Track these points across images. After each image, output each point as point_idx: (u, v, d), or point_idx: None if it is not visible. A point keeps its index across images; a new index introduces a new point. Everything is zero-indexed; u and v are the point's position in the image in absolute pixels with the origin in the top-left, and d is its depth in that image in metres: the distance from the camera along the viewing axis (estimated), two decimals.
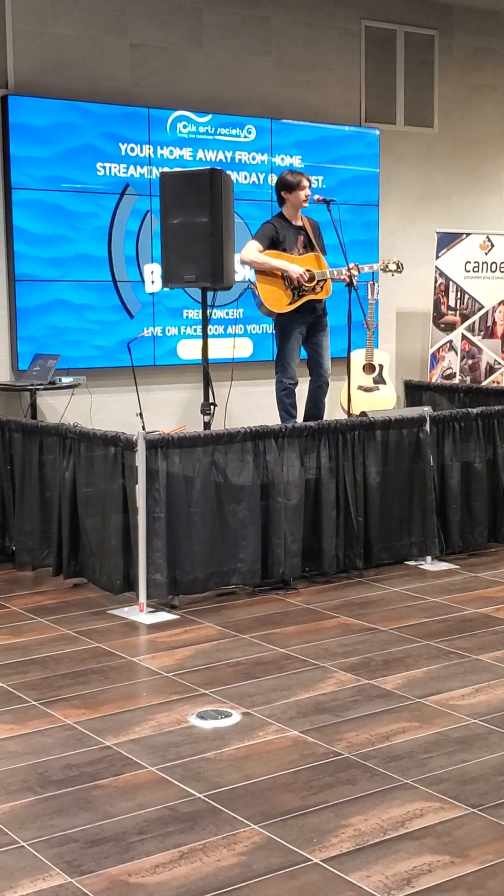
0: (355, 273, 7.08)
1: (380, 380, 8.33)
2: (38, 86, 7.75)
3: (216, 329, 8.30)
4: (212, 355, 7.12)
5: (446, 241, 9.22)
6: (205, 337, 6.97)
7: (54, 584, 5.87)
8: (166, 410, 8.21)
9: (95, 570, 5.65)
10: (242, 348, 8.46)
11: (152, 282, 8.18)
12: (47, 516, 5.93)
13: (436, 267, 9.20)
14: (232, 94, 8.58)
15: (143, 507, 5.26)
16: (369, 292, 8.26)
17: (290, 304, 6.85)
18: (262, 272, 6.87)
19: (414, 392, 8.18)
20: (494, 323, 9.36)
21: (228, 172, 7.01)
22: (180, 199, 6.66)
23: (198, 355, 7.47)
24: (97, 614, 5.36)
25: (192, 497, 5.37)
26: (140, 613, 5.31)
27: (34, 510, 5.97)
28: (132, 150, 8.07)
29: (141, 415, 7.49)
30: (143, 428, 7.05)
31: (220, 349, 8.10)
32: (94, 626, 5.18)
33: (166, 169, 7.80)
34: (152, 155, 8.13)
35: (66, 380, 7.37)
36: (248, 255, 6.91)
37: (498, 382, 9.25)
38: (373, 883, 2.93)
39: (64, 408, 7.56)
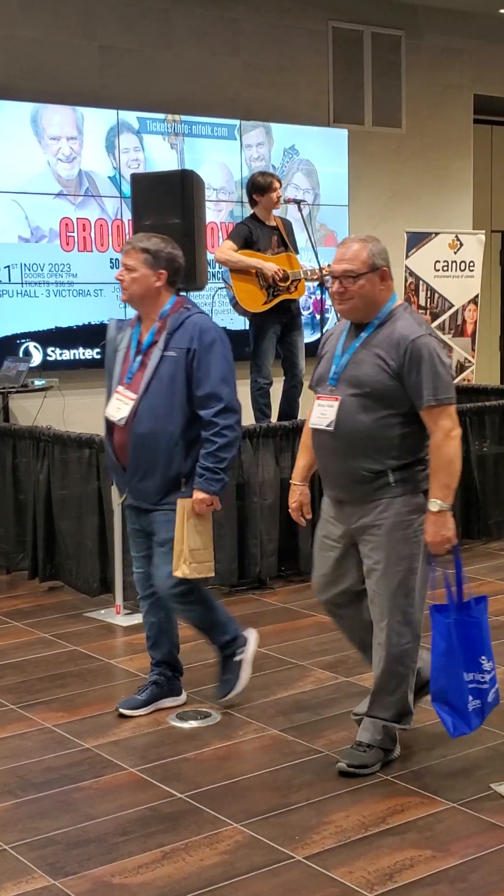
0: (328, 273, 7.09)
1: None
2: (6, 89, 7.73)
3: None
4: None
5: (415, 240, 9.27)
6: None
7: (30, 587, 5.85)
8: None
9: (72, 572, 5.64)
10: None
11: None
12: (22, 519, 5.91)
13: (406, 266, 9.24)
14: (201, 95, 8.58)
15: (119, 509, 5.26)
16: None
17: (266, 303, 6.86)
18: (237, 271, 6.88)
19: None
20: (464, 321, 9.42)
21: (199, 174, 7.01)
22: (152, 200, 6.66)
23: None
24: (74, 617, 5.35)
25: None
26: (117, 616, 5.31)
27: (8, 513, 5.95)
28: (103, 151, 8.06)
29: None
30: None
31: None
32: (71, 628, 5.18)
33: (137, 171, 7.80)
34: (122, 156, 8.12)
35: (38, 382, 7.35)
36: (222, 255, 6.91)
37: (469, 380, 9.30)
38: (355, 878, 2.95)
39: (36, 410, 7.53)
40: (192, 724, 4.03)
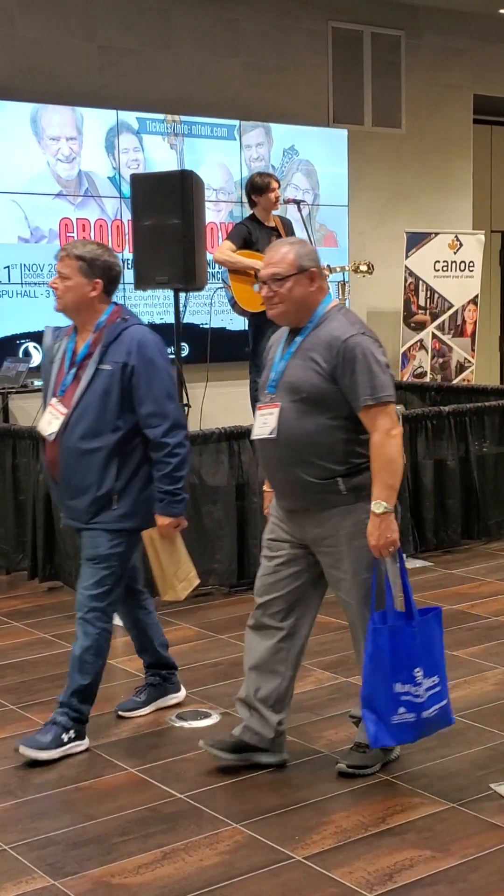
0: (327, 273, 7.10)
1: None
2: (6, 89, 7.73)
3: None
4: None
5: (415, 240, 9.27)
6: (177, 338, 6.97)
7: (29, 587, 5.85)
8: None
9: (71, 573, 5.63)
10: None
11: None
12: (21, 520, 5.91)
13: (405, 266, 9.25)
14: (201, 95, 8.58)
15: None
16: (340, 292, 8.29)
17: (264, 303, 6.87)
18: (236, 272, 6.89)
19: None
20: (464, 321, 9.42)
21: (199, 174, 7.02)
22: (151, 201, 6.66)
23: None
24: (73, 617, 5.33)
25: None
26: (116, 616, 5.29)
27: (8, 514, 5.95)
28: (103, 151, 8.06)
29: None
30: None
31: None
32: (70, 629, 5.14)
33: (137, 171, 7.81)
34: (122, 156, 8.13)
35: (38, 382, 7.35)
36: (221, 255, 6.92)
37: (468, 380, 9.30)
38: (355, 879, 2.95)
39: (36, 410, 7.53)
40: (192, 724, 4.03)
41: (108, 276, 3.76)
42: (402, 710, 3.34)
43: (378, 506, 3.33)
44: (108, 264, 3.76)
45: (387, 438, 3.33)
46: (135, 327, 3.76)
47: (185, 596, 3.95)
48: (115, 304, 3.84)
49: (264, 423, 3.46)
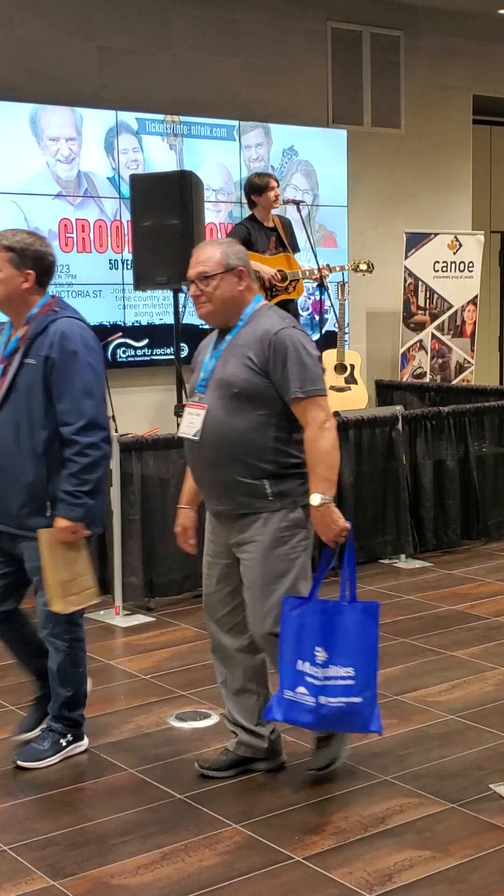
0: (326, 273, 7.11)
1: (351, 380, 8.36)
2: (5, 89, 7.73)
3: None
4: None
5: (415, 241, 9.27)
6: (177, 339, 6.97)
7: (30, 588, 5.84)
8: (139, 413, 8.20)
9: None
10: None
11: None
12: None
13: (405, 267, 9.25)
14: (200, 96, 8.58)
15: (118, 510, 5.26)
16: (339, 293, 8.29)
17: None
18: None
19: (385, 391, 8.22)
20: (463, 322, 9.42)
21: (198, 174, 7.02)
22: (151, 201, 6.67)
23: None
24: None
25: (168, 499, 5.37)
26: (116, 616, 5.31)
27: None
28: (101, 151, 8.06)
29: (113, 418, 7.47)
30: (116, 431, 7.04)
31: None
32: None
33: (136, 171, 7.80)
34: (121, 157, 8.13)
35: None
36: None
37: (468, 381, 9.30)
38: (355, 879, 2.95)
39: None
40: (192, 724, 4.03)
41: (41, 267, 3.59)
42: (301, 689, 3.28)
43: (315, 498, 3.28)
44: (39, 254, 3.59)
45: (320, 431, 3.29)
46: (63, 320, 3.57)
47: (72, 610, 3.60)
48: (52, 296, 3.67)
49: (190, 424, 3.41)
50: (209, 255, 3.41)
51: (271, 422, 3.34)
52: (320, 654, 3.26)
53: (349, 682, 3.27)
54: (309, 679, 3.27)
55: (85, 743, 3.79)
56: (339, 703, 3.27)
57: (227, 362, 3.37)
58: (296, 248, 7.17)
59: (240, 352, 3.36)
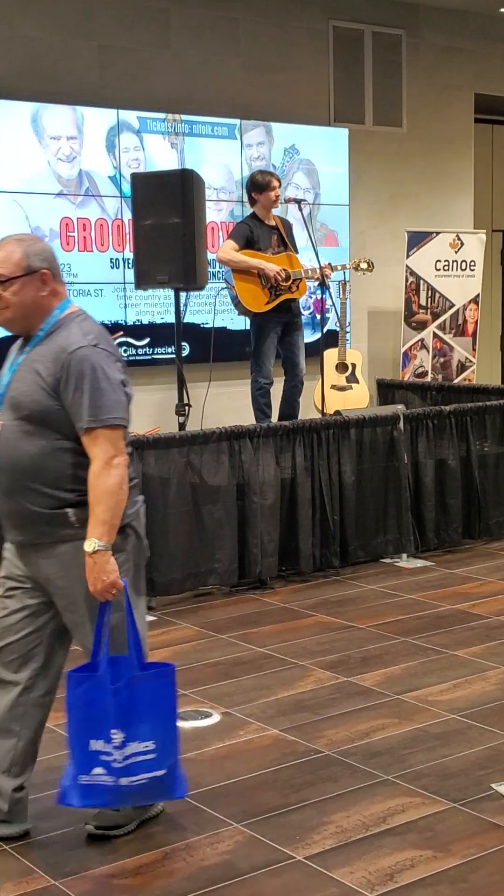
0: (328, 272, 7.11)
1: (353, 379, 8.36)
2: (6, 88, 7.72)
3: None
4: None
5: (416, 240, 9.26)
6: (178, 338, 6.97)
7: None
8: (140, 412, 8.19)
9: None
10: None
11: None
12: None
13: (406, 266, 9.24)
14: (201, 95, 8.57)
15: None
16: (341, 292, 8.29)
17: (268, 303, 6.88)
18: (239, 271, 6.89)
19: (386, 390, 8.21)
20: (465, 321, 9.41)
21: (199, 173, 7.01)
22: (152, 200, 6.66)
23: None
24: None
25: (168, 498, 5.37)
26: None
27: None
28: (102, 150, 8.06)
29: None
30: None
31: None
32: None
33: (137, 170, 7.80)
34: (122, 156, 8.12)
35: None
36: (224, 255, 6.93)
37: (469, 380, 9.29)
38: (356, 879, 2.94)
39: None
40: (193, 723, 4.02)
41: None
42: (97, 769, 2.97)
43: (90, 544, 2.90)
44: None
45: (106, 468, 2.92)
46: None
47: None
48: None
49: None
50: (8, 255, 3.00)
51: (67, 447, 2.98)
52: (117, 737, 2.96)
53: (150, 756, 3.00)
54: (104, 758, 2.97)
55: None
56: (141, 781, 3.01)
57: (20, 379, 3.01)
58: (295, 250, 7.18)
59: (33, 368, 2.99)
